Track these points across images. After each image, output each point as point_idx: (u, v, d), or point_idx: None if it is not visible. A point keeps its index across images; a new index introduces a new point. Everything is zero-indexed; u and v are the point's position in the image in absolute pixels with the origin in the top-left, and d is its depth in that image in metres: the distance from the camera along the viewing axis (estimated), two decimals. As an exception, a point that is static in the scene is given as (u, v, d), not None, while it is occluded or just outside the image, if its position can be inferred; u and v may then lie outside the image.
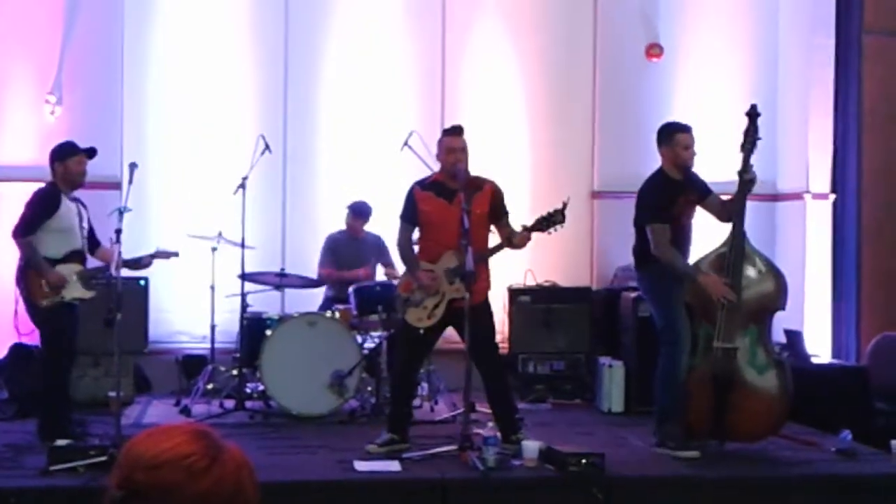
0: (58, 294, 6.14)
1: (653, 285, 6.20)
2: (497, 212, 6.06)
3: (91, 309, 6.44)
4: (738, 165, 6.04)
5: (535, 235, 6.02)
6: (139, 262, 6.53)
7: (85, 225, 6.38)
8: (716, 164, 7.75)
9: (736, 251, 5.96)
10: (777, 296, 6.07)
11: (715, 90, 8.82)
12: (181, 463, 1.61)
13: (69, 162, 6.24)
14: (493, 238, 6.12)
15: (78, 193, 6.42)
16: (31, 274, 6.17)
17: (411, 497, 5.31)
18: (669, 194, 6.07)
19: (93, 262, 6.53)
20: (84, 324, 6.40)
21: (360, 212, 8.01)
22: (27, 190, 7.94)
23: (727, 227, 6.14)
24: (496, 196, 6.08)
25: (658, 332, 6.17)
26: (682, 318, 6.03)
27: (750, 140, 6.00)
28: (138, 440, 1.67)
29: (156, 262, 6.71)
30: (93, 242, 6.53)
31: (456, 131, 6.14)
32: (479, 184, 6.05)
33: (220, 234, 7.44)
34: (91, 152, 6.35)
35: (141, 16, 8.40)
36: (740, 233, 5.99)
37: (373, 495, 5.31)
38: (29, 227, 6.18)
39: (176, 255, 6.84)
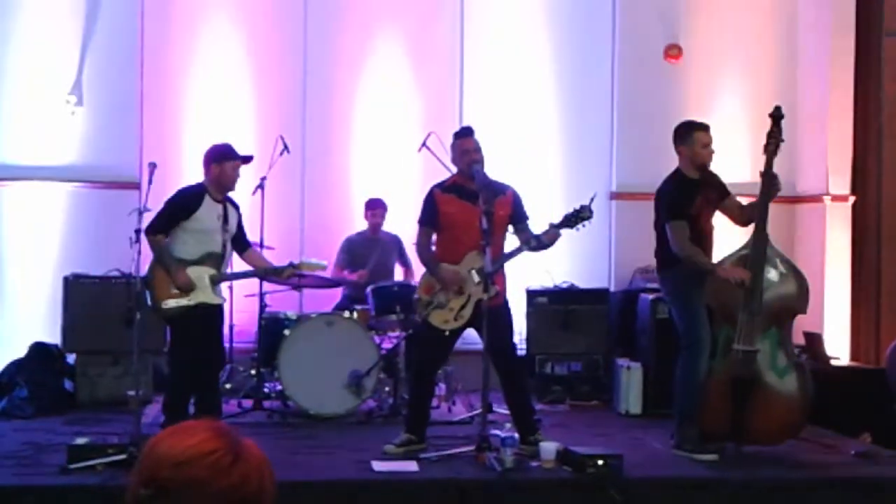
0: (185, 296, 6.07)
1: (675, 288, 6.18)
2: (518, 215, 6.08)
3: (111, 308, 6.44)
4: (762, 167, 6.02)
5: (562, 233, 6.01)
6: (280, 273, 6.40)
7: (231, 228, 6.27)
8: (734, 165, 7.75)
9: (758, 253, 5.94)
10: (798, 298, 6.03)
11: (734, 92, 8.79)
12: (206, 459, 1.62)
13: (226, 166, 6.12)
14: (510, 240, 6.13)
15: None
16: (160, 273, 6.12)
17: (428, 498, 5.30)
18: (687, 193, 6.06)
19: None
20: (104, 323, 6.41)
21: (378, 202, 8.02)
22: (47, 189, 8.09)
23: (745, 231, 6.12)
24: (517, 200, 6.11)
25: (678, 334, 6.15)
26: (702, 321, 6.01)
27: (773, 142, 5.98)
28: (161, 438, 1.68)
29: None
30: (240, 245, 6.41)
31: (466, 133, 6.15)
32: (501, 187, 6.08)
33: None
34: (248, 160, 6.29)
35: (160, 16, 8.42)
36: (763, 235, 5.96)
37: (390, 495, 5.31)
38: (160, 225, 6.10)
39: (323, 266, 6.68)
